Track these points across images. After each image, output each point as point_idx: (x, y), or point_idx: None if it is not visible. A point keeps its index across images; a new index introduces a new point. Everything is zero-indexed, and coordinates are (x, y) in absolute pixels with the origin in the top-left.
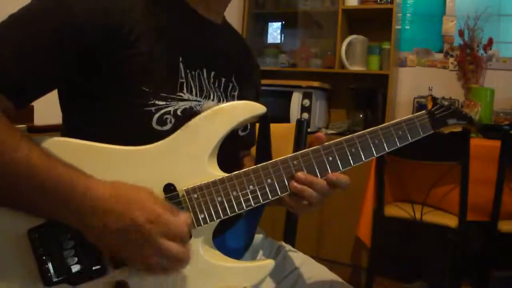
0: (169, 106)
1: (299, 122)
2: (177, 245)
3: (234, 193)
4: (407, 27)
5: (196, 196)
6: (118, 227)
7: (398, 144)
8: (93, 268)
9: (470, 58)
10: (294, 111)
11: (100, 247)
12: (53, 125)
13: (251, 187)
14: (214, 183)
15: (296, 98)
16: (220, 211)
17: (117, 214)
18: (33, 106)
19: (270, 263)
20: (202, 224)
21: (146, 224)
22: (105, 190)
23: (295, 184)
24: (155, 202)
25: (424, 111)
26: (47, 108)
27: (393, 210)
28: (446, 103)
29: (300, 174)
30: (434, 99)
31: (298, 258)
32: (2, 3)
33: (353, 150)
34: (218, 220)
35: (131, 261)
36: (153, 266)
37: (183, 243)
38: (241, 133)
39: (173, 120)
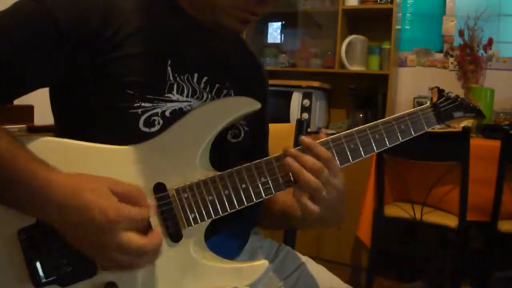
0: (156, 108)
1: (299, 122)
2: (138, 237)
3: (226, 192)
4: (407, 27)
5: (186, 195)
6: (77, 222)
7: (401, 139)
8: (83, 269)
9: (470, 58)
10: (294, 111)
11: (73, 244)
12: (53, 125)
13: (243, 185)
14: (205, 182)
15: (296, 98)
16: (212, 211)
17: (74, 210)
18: (33, 106)
19: (263, 263)
20: (193, 224)
21: (104, 223)
22: (62, 185)
23: (288, 157)
24: (114, 196)
25: (428, 104)
26: (47, 108)
27: (393, 210)
28: (452, 95)
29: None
30: (439, 91)
31: (298, 259)
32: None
33: (352, 146)
34: (210, 220)
35: (97, 260)
36: (120, 263)
37: (147, 233)
38: (231, 140)
39: (161, 122)
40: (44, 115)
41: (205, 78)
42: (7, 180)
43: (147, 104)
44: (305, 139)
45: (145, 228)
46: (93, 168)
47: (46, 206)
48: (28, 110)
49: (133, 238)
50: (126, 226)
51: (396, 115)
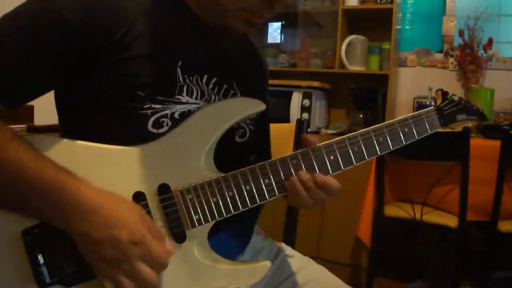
0: (166, 110)
1: (299, 122)
2: (152, 272)
3: (230, 193)
4: (407, 27)
5: (191, 197)
6: (99, 238)
7: (404, 142)
8: (87, 269)
9: (470, 58)
10: (294, 111)
11: (87, 258)
12: (53, 125)
13: (247, 187)
14: (209, 183)
15: (296, 98)
16: (216, 212)
17: (101, 226)
18: (33, 106)
19: (266, 264)
20: (197, 225)
21: (128, 244)
22: (95, 198)
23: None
24: (143, 224)
25: (432, 107)
26: (47, 108)
27: (393, 210)
28: (456, 98)
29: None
30: (443, 94)
31: (298, 259)
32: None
33: (355, 148)
34: (214, 221)
35: (101, 276)
36: (120, 286)
37: (159, 272)
38: (238, 140)
39: (169, 123)
40: (44, 115)
41: (214, 79)
42: (35, 192)
43: (157, 106)
44: (302, 173)
45: (160, 269)
46: (98, 168)
47: (73, 218)
48: (28, 110)
49: (146, 270)
50: (145, 257)
51: (400, 117)
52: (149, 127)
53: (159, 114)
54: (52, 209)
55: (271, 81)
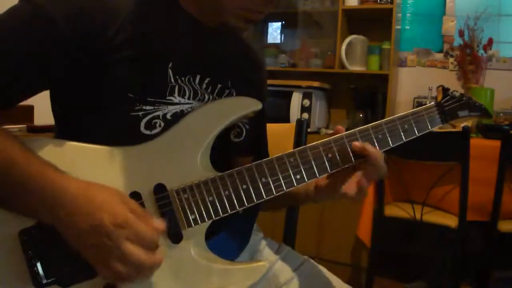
0: (158, 111)
1: (299, 122)
2: (142, 251)
3: (226, 192)
4: (407, 27)
5: (186, 196)
6: (84, 227)
7: (404, 139)
8: (83, 269)
9: (470, 58)
10: (294, 111)
11: (77, 249)
12: (53, 125)
13: (244, 186)
14: (205, 182)
15: (296, 98)
16: (212, 212)
17: (83, 214)
18: (33, 106)
19: (264, 264)
20: (193, 225)
21: (111, 227)
22: (75, 189)
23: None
24: (125, 205)
25: (433, 103)
26: (47, 108)
27: (393, 210)
28: (457, 93)
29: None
30: (444, 90)
31: (298, 259)
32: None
33: None
34: (210, 221)
35: (97, 267)
36: (118, 273)
37: (150, 251)
38: (234, 139)
39: (162, 124)
40: (44, 115)
41: (207, 79)
42: (20, 185)
43: (148, 107)
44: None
45: (151, 247)
46: (93, 169)
47: (57, 211)
48: (28, 110)
49: (134, 250)
50: (131, 237)
51: (399, 114)
52: (142, 129)
53: (150, 116)
54: (39, 204)
55: (271, 81)
